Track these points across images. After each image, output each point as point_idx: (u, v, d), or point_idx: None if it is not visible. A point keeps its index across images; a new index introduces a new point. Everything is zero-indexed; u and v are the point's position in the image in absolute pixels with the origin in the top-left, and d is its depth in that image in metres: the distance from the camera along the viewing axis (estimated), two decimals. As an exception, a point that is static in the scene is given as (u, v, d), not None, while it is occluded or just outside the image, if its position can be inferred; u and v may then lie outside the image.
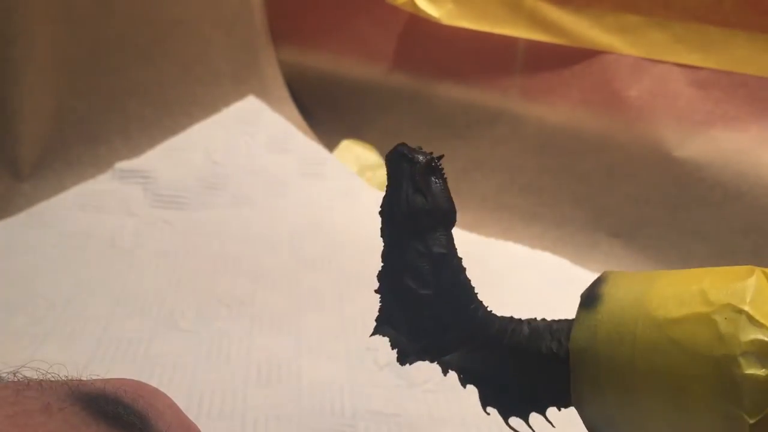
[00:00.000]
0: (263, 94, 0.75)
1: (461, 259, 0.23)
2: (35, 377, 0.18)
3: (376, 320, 0.23)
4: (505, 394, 0.22)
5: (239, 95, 0.74)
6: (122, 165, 0.65)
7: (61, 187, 0.63)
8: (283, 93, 0.78)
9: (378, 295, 0.23)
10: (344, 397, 0.43)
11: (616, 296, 0.20)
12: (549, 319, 0.22)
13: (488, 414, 0.23)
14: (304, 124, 0.76)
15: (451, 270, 0.22)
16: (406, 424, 0.41)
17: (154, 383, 0.21)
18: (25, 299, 0.50)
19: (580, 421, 0.21)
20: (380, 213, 0.23)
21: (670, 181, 0.60)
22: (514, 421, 0.22)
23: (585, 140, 0.63)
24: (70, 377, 0.19)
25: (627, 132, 0.61)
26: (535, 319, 0.22)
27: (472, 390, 0.23)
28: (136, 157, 0.67)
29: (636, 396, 0.19)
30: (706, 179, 0.58)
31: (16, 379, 0.18)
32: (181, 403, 0.21)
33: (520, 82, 0.66)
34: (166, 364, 0.45)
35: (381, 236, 0.23)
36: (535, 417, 0.22)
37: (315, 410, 0.42)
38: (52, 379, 0.18)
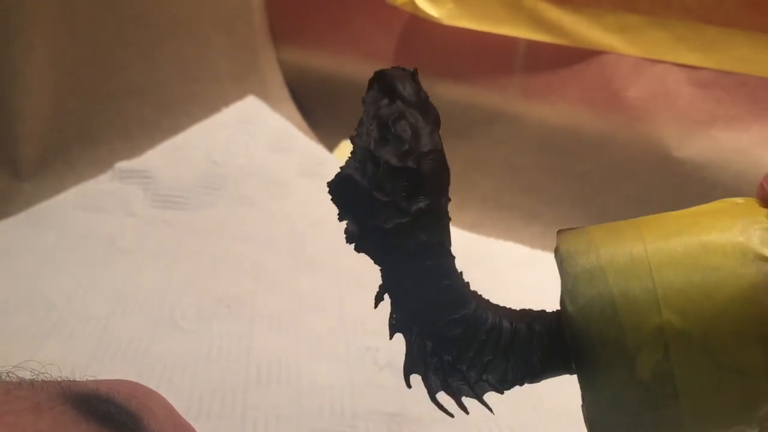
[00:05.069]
0: (263, 94, 0.75)
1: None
2: (29, 377, 0.18)
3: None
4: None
5: (239, 95, 0.74)
6: (122, 165, 0.65)
7: (61, 187, 0.63)
8: (283, 93, 0.78)
9: (383, 299, 0.21)
10: (344, 397, 0.43)
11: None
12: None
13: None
14: (304, 124, 0.76)
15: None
16: (406, 424, 0.41)
17: (154, 383, 0.21)
18: (25, 299, 0.50)
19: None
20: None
21: (670, 181, 0.60)
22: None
23: (585, 140, 0.63)
24: (63, 377, 0.19)
25: (627, 132, 0.61)
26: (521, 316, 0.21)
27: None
28: (136, 157, 0.66)
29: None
30: (706, 179, 0.58)
31: (9, 379, 0.18)
32: (181, 403, 0.21)
33: (520, 82, 0.66)
34: (166, 364, 0.45)
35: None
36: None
37: (315, 410, 0.42)
38: (45, 378, 0.18)
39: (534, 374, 0.21)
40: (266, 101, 0.74)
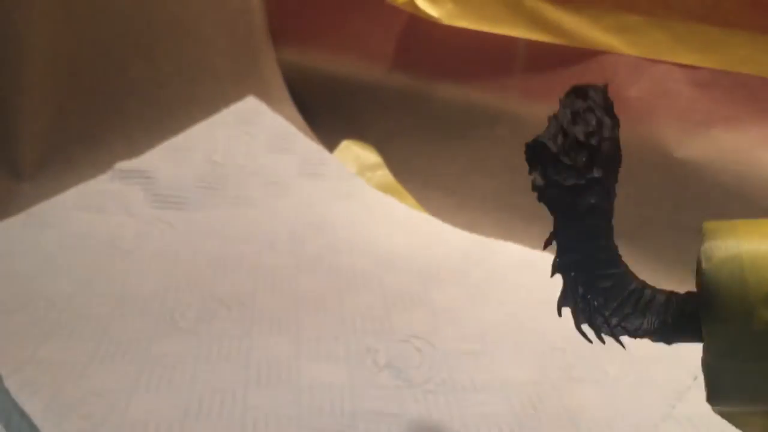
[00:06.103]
0: (263, 94, 0.75)
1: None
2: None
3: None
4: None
5: (239, 95, 0.74)
6: (122, 165, 0.65)
7: (61, 187, 0.63)
8: (283, 93, 0.78)
9: (552, 244, 0.25)
10: (344, 398, 0.43)
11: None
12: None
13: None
14: (304, 124, 0.76)
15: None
16: (406, 425, 0.41)
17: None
18: (25, 299, 0.50)
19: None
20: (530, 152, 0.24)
21: (670, 181, 0.60)
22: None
23: (585, 140, 0.63)
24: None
25: (627, 132, 0.61)
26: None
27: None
28: (136, 157, 0.67)
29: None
30: (706, 179, 0.58)
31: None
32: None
33: (520, 82, 0.66)
34: (166, 364, 0.45)
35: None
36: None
37: (315, 410, 0.42)
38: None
39: (665, 332, 0.25)
40: (266, 101, 0.74)
